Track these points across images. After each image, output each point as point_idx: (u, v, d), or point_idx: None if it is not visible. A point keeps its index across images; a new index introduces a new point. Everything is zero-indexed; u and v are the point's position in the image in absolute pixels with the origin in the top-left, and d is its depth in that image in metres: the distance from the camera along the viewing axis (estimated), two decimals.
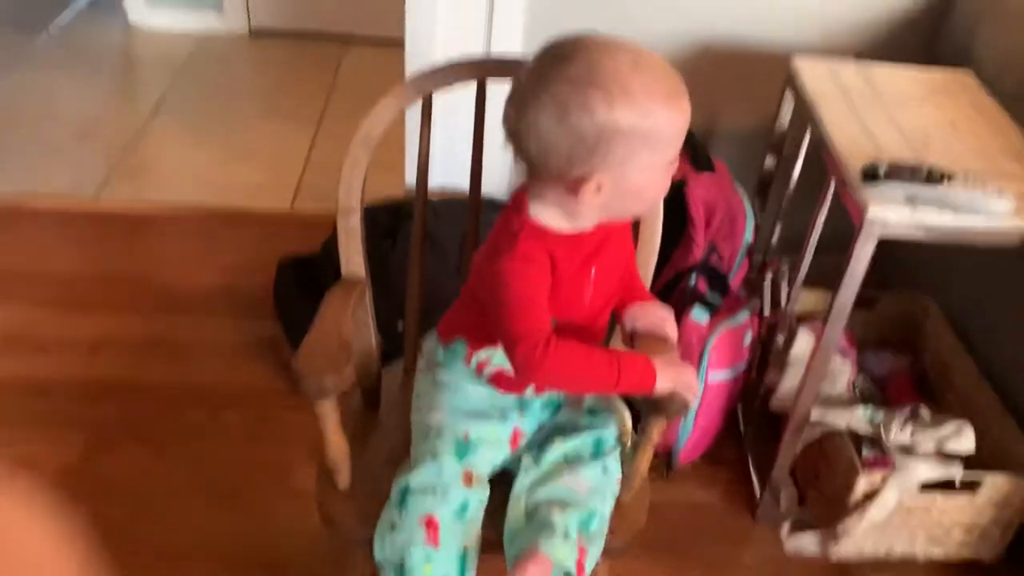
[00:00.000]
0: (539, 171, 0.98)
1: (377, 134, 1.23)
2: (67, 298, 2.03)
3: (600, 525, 1.06)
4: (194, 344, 1.94)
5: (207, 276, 2.13)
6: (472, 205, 1.32)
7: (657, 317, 1.13)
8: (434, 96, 1.24)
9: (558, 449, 1.11)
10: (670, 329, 1.12)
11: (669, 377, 1.02)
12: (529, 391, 1.14)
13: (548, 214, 1.00)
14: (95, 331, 1.94)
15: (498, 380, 1.13)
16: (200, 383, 1.85)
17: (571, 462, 1.09)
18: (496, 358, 1.12)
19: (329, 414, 1.06)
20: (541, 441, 1.13)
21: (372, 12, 3.22)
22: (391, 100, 1.23)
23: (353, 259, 1.26)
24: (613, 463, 1.11)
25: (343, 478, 1.13)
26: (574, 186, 0.96)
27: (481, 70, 1.25)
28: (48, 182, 2.40)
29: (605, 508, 1.08)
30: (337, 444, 1.10)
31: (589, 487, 1.07)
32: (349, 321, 1.18)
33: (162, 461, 1.68)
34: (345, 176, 1.23)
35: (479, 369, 1.14)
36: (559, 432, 1.13)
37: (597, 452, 1.11)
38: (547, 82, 0.93)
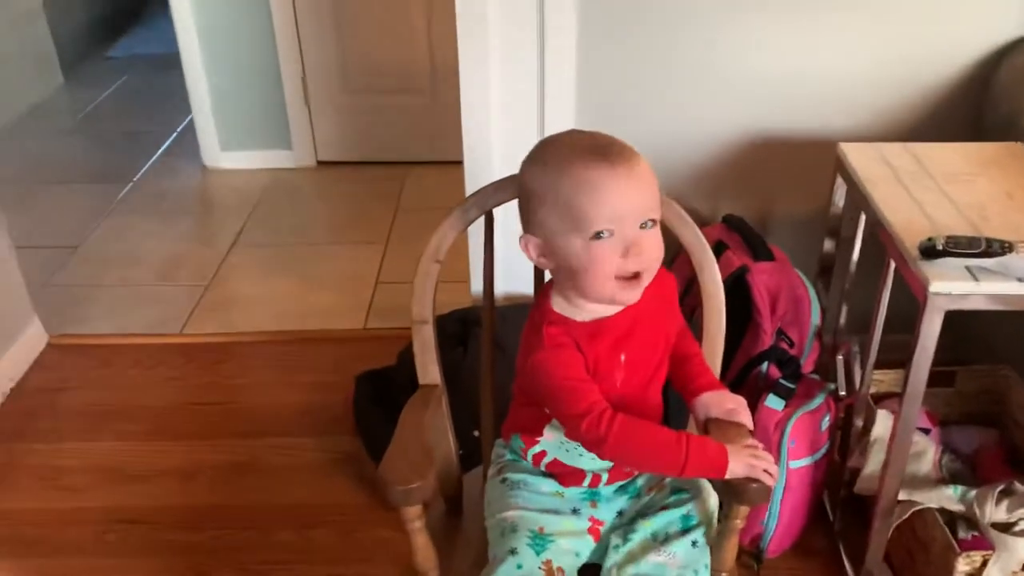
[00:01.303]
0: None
1: (445, 249, 1.30)
2: (159, 429, 2.12)
3: None
4: (280, 465, 2.00)
5: (289, 398, 2.21)
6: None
7: (729, 405, 1.14)
8: (494, 210, 1.31)
9: (646, 527, 1.11)
10: (744, 416, 1.13)
11: (743, 462, 1.03)
12: (597, 480, 1.15)
13: (562, 304, 1.08)
14: (186, 459, 2.02)
15: (555, 468, 1.16)
16: (288, 503, 1.90)
17: (659, 540, 1.09)
18: (551, 449, 1.16)
19: (415, 521, 1.09)
20: (628, 521, 1.14)
21: (429, 138, 3.39)
22: (455, 218, 1.30)
23: (429, 368, 1.31)
24: (702, 538, 1.10)
25: None
26: (524, 245, 1.06)
27: None
28: (135, 321, 2.54)
29: None
30: (424, 551, 1.12)
31: (680, 563, 1.07)
32: (429, 428, 1.22)
33: None
34: (417, 289, 1.29)
35: (535, 462, 1.18)
36: (645, 513, 1.14)
37: (685, 527, 1.10)
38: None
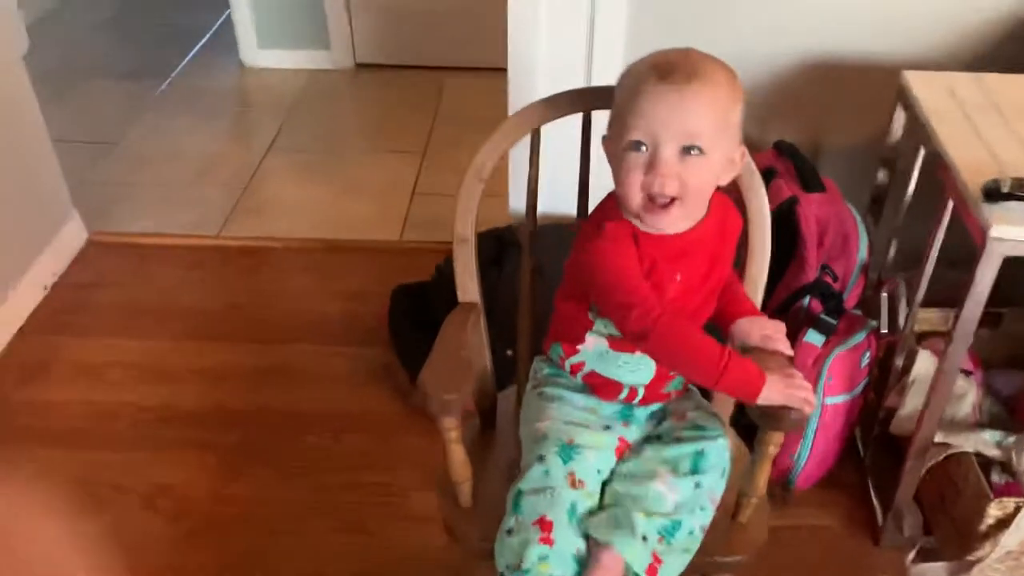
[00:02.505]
0: None
1: (489, 167, 1.27)
2: (194, 329, 2.15)
3: (685, 541, 1.05)
4: (313, 371, 2.02)
5: (323, 306, 2.22)
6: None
7: (768, 331, 1.13)
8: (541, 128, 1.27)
9: (659, 453, 1.11)
10: (783, 343, 1.12)
11: (778, 389, 1.02)
12: (633, 394, 1.15)
13: (626, 210, 1.06)
14: (221, 361, 2.05)
15: (592, 380, 1.16)
16: (320, 409, 1.93)
17: (667, 468, 1.09)
18: (589, 360, 1.15)
19: (452, 431, 1.10)
20: (642, 442, 1.14)
21: (470, 42, 3.29)
22: (501, 135, 1.26)
23: (469, 286, 1.30)
24: (708, 481, 1.09)
25: (465, 495, 1.17)
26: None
27: (586, 102, 1.28)
28: (174, 220, 2.55)
29: (693, 523, 1.06)
30: (459, 461, 1.14)
31: (677, 500, 1.06)
32: (468, 343, 1.23)
33: (286, 486, 1.76)
34: (460, 207, 1.27)
35: (573, 372, 1.18)
36: (661, 437, 1.14)
37: (695, 467, 1.09)
38: None
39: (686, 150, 0.99)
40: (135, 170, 2.79)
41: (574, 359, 1.17)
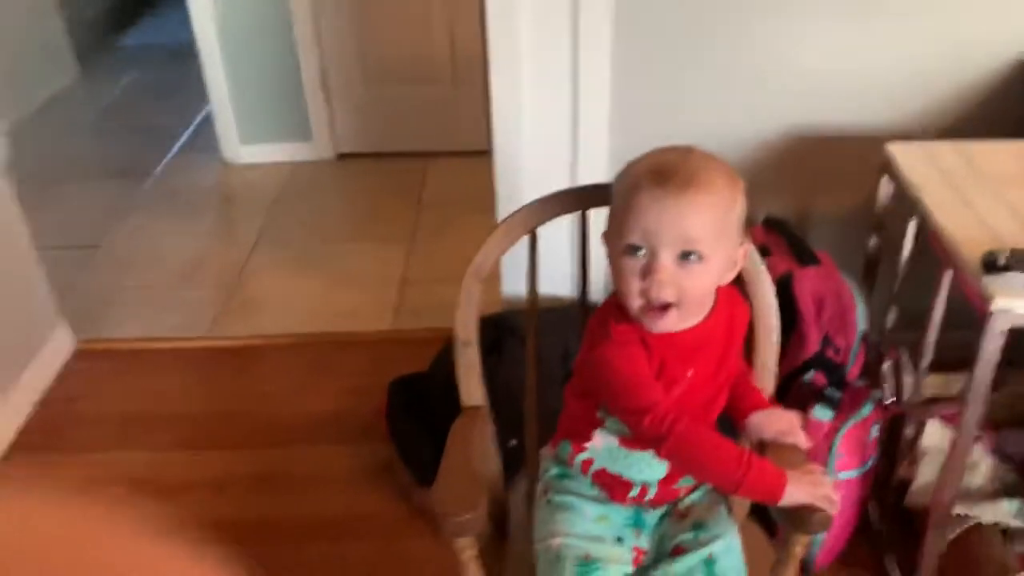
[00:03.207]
0: None
1: (487, 268, 1.26)
2: (188, 438, 2.10)
3: None
4: (312, 475, 1.98)
5: (319, 403, 2.18)
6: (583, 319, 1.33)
7: (783, 424, 1.10)
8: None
9: (666, 572, 1.08)
10: (799, 436, 1.10)
11: (803, 490, 0.99)
12: (644, 492, 1.12)
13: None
14: (216, 471, 2.00)
15: (602, 478, 1.14)
16: (322, 515, 1.88)
17: None
18: (598, 457, 1.13)
19: (468, 551, 1.07)
20: (653, 561, 1.11)
21: (450, 128, 3.34)
22: (497, 237, 1.25)
23: (473, 390, 1.28)
24: None
25: None
26: None
27: (582, 201, 1.27)
28: (161, 323, 2.52)
29: None
30: None
31: None
32: (477, 454, 1.20)
33: None
34: (460, 310, 1.25)
35: (583, 469, 1.14)
36: (668, 551, 1.11)
37: (709, 572, 1.07)
38: None
39: (684, 256, 0.97)
40: (120, 274, 2.77)
41: (583, 456, 1.15)
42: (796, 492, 0.99)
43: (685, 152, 1.00)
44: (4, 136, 3.46)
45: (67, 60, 4.24)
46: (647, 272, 0.98)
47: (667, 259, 0.97)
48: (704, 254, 0.97)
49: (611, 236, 1.03)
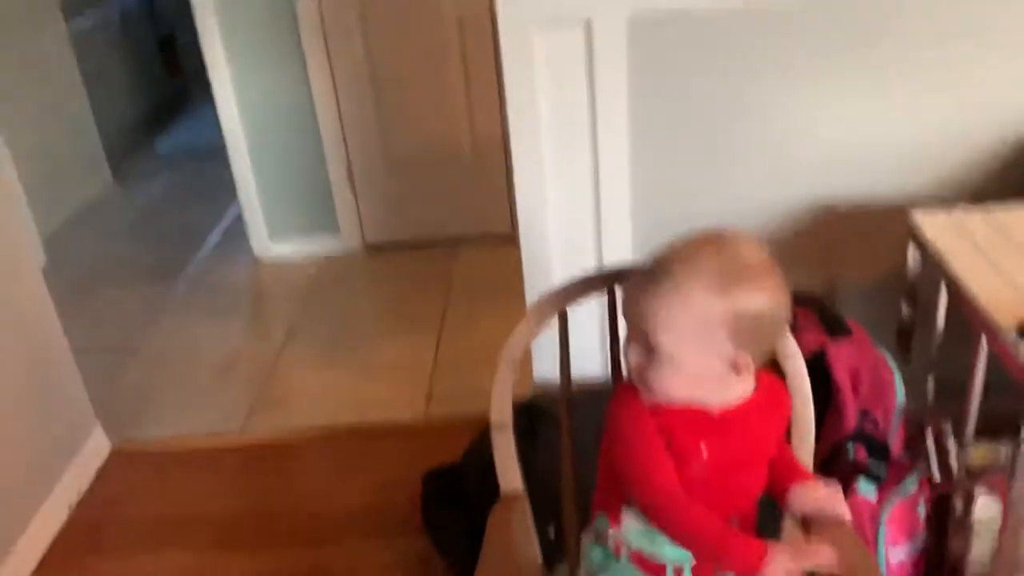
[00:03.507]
0: None
1: (520, 354, 1.27)
2: (223, 539, 2.09)
3: None
4: (350, 571, 1.95)
5: (354, 498, 2.16)
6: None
7: (820, 495, 1.09)
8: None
9: None
10: (840, 506, 1.09)
11: (784, 562, 0.97)
12: (679, 574, 1.09)
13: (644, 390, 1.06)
14: (254, 570, 1.98)
15: (638, 559, 1.11)
16: None
17: None
18: (631, 537, 1.11)
19: None
20: None
21: (477, 214, 3.39)
22: (528, 321, 1.27)
23: (510, 476, 1.28)
24: None
25: None
26: None
27: (607, 281, 1.29)
28: (196, 422, 2.53)
29: None
30: None
31: None
32: (517, 542, 1.18)
33: None
34: (495, 396, 1.27)
35: (617, 550, 1.13)
36: None
37: None
38: None
39: (650, 350, 1.01)
40: (155, 374, 2.80)
41: (616, 534, 1.13)
42: (777, 565, 0.97)
43: (695, 249, 1.00)
44: (42, 243, 3.57)
45: (102, 167, 4.39)
46: (636, 362, 1.03)
47: (633, 354, 1.03)
48: (670, 353, 1.00)
49: None
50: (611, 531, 1.13)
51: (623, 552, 1.13)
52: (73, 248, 3.73)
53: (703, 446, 1.04)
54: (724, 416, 1.05)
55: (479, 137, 3.31)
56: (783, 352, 1.21)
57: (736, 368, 1.02)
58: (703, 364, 1.01)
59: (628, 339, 1.04)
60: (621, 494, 1.11)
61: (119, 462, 2.39)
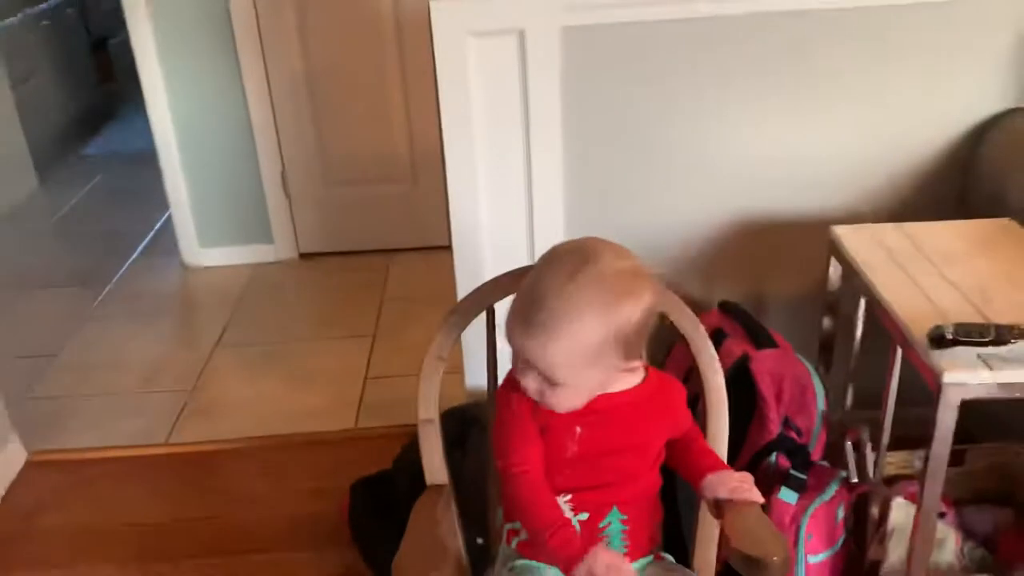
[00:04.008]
0: None
1: (448, 347, 1.29)
2: (147, 550, 2.03)
3: None
4: None
5: (281, 508, 2.12)
6: None
7: (733, 483, 1.13)
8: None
9: None
10: (754, 493, 1.12)
11: (587, 566, 1.00)
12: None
13: None
14: None
15: (523, 549, 1.15)
16: None
17: None
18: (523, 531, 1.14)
19: None
20: None
21: (411, 225, 3.37)
22: (457, 316, 1.28)
23: (436, 468, 1.29)
24: None
25: None
26: None
27: None
28: (119, 431, 2.46)
29: None
30: None
31: None
32: (440, 523, 1.20)
33: None
34: (422, 390, 1.28)
35: (509, 538, 1.17)
36: None
37: None
38: None
39: (546, 379, 1.05)
40: (77, 382, 2.72)
41: (510, 525, 1.18)
42: (583, 567, 1.00)
43: (566, 277, 1.02)
44: None
45: (27, 171, 4.25)
46: (533, 387, 1.07)
47: (531, 382, 1.06)
48: (566, 382, 1.05)
49: None
50: (507, 523, 1.18)
51: (513, 541, 1.17)
52: None
53: (578, 428, 1.09)
54: (606, 402, 1.10)
55: (417, 149, 3.30)
56: (707, 365, 1.24)
57: (626, 371, 1.09)
58: (599, 377, 1.07)
59: (520, 366, 1.07)
60: None
61: (35, 473, 2.30)
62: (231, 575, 1.94)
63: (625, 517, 1.14)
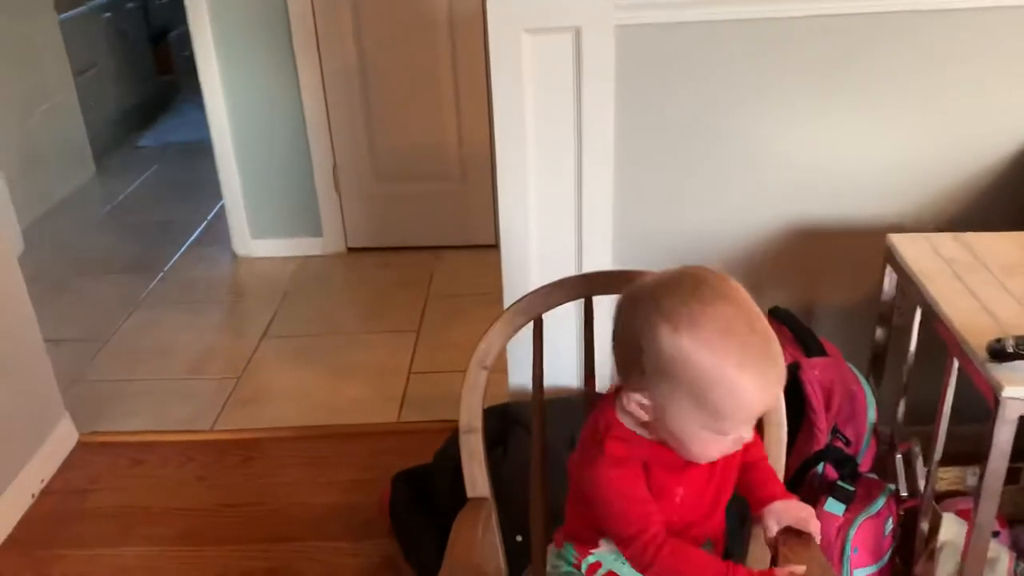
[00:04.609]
0: (615, 369, 1.01)
1: (493, 355, 1.26)
2: (190, 533, 2.06)
3: None
4: (315, 572, 1.93)
5: (322, 497, 2.15)
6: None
7: (804, 513, 1.10)
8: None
9: None
10: (815, 528, 1.09)
11: None
12: None
13: (629, 419, 1.02)
14: (218, 566, 1.96)
15: None
16: None
17: None
18: (606, 561, 1.11)
19: None
20: None
21: (459, 223, 3.39)
22: (503, 324, 1.27)
23: (478, 480, 1.26)
24: None
25: None
26: (623, 393, 0.99)
27: (585, 288, 1.29)
28: (167, 416, 2.51)
29: None
30: None
31: None
32: (480, 548, 1.17)
33: None
34: (465, 397, 1.25)
35: (590, 573, 1.12)
36: None
37: None
38: (650, 299, 0.95)
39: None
40: (127, 367, 2.77)
41: (590, 559, 1.13)
42: None
43: (756, 315, 0.95)
44: (20, 231, 3.54)
45: (86, 160, 4.36)
46: (736, 444, 1.00)
47: (747, 432, 0.99)
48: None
49: (684, 410, 0.95)
50: (583, 558, 1.13)
51: (596, 574, 1.12)
52: (52, 238, 3.70)
53: (680, 489, 1.04)
54: None
55: (467, 147, 3.32)
56: None
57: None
58: None
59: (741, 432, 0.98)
60: (596, 529, 1.09)
61: (86, 453, 2.36)
62: (272, 561, 1.96)
63: (714, 547, 1.12)
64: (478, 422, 1.25)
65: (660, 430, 0.99)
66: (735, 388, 0.91)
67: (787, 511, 1.09)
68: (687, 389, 0.93)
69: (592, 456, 1.02)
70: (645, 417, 0.99)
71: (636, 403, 0.98)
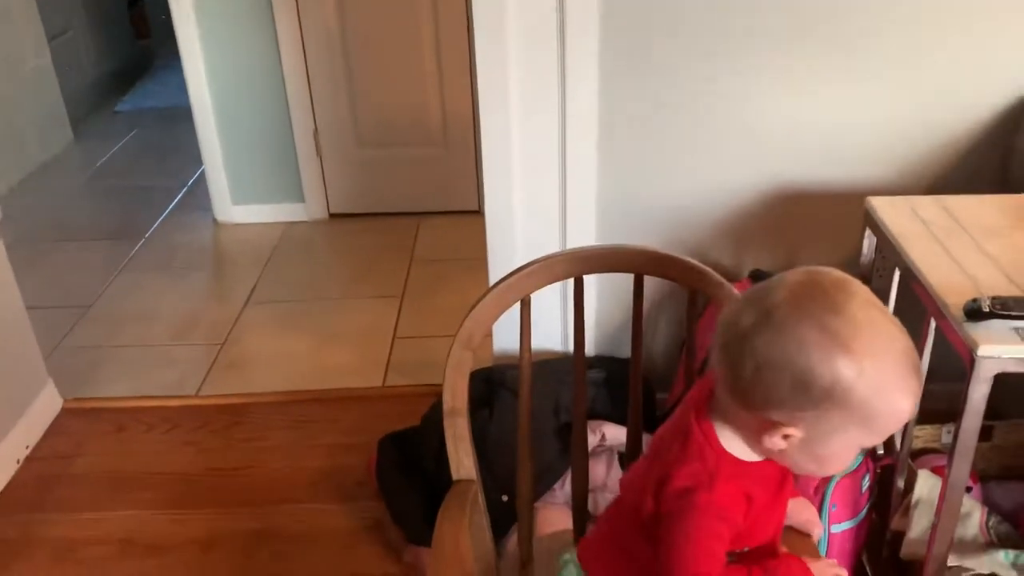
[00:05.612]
0: (740, 394, 0.88)
1: (478, 337, 1.22)
2: (176, 496, 2.08)
3: None
4: (301, 533, 1.95)
5: (309, 461, 2.16)
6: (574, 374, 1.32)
7: (809, 514, 1.13)
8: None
9: None
10: (817, 528, 1.13)
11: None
12: None
13: (735, 443, 0.92)
14: (205, 528, 1.97)
15: None
16: (311, 573, 1.85)
17: None
18: None
19: None
20: None
21: (442, 189, 3.39)
22: (488, 303, 1.23)
23: (464, 462, 1.24)
24: None
25: None
26: (765, 426, 0.87)
27: (574, 267, 1.26)
28: (151, 382, 2.51)
29: None
30: None
31: None
32: (468, 538, 1.15)
33: None
34: (449, 379, 1.21)
35: None
36: None
37: None
38: (804, 317, 0.84)
39: None
40: (111, 333, 2.76)
41: None
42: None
43: (894, 319, 0.87)
44: None
45: (63, 125, 4.30)
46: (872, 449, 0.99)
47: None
48: None
49: (846, 436, 0.87)
50: None
51: None
52: (31, 205, 3.66)
53: (780, 507, 1.01)
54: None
55: (449, 113, 3.30)
56: None
57: None
58: None
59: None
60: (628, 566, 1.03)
61: (70, 419, 2.36)
62: (259, 524, 1.98)
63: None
64: (463, 404, 1.21)
65: (793, 457, 0.90)
66: (900, 409, 0.86)
67: (794, 511, 1.10)
68: (860, 416, 0.85)
69: (692, 502, 0.90)
70: (783, 447, 0.88)
71: (779, 437, 0.87)
